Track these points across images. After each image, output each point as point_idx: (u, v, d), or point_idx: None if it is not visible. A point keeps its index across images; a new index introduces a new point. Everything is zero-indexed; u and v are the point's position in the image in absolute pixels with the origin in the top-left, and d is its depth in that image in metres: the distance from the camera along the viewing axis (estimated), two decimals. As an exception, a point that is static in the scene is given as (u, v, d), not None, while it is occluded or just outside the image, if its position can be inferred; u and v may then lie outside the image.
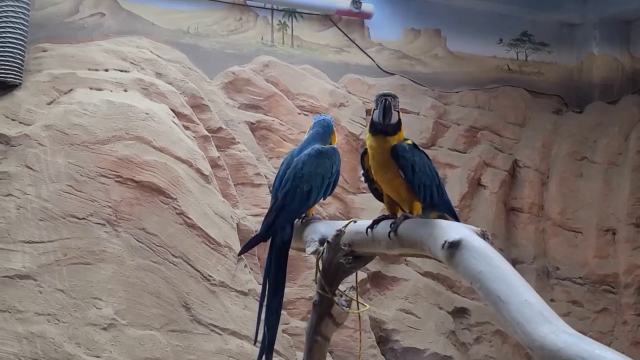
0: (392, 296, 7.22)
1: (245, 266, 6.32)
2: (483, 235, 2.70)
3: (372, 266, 6.95)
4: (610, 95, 8.64)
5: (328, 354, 4.07)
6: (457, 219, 3.15)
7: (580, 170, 8.01)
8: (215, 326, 6.00)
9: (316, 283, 3.63)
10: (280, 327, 6.00)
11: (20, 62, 6.21)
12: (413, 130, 7.47)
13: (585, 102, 8.69)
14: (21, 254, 5.61)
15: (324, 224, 3.72)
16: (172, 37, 7.21)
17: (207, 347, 5.92)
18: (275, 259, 3.65)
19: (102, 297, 5.69)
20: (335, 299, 3.57)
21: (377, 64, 8.02)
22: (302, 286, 6.66)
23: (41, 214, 5.73)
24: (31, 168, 5.83)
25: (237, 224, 6.46)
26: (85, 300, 5.65)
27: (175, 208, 6.08)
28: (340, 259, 3.45)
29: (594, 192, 7.85)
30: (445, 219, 3.10)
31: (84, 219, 5.82)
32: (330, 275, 3.53)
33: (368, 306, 3.90)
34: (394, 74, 8.08)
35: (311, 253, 3.56)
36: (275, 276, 3.64)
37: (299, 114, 7.34)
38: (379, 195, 3.37)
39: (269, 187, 6.68)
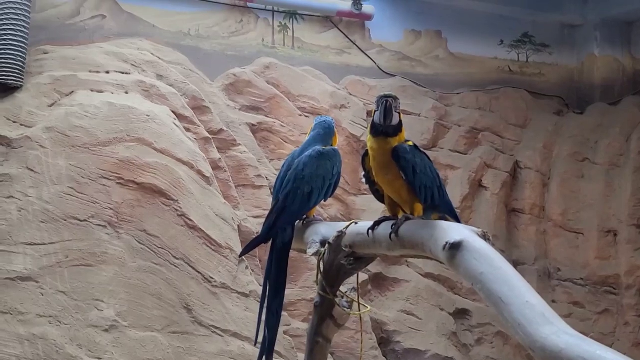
0: (394, 297, 7.22)
1: (247, 268, 6.32)
2: (484, 237, 2.70)
3: (374, 267, 6.95)
4: (612, 96, 8.63)
5: (329, 355, 4.07)
6: (458, 220, 3.15)
7: (582, 172, 8.01)
8: (217, 328, 6.00)
9: (317, 284, 3.63)
10: (282, 329, 6.00)
11: (22, 65, 6.22)
12: (414, 132, 7.47)
13: (586, 103, 8.68)
14: (23, 256, 5.61)
15: (325, 226, 3.72)
16: (173, 39, 7.22)
17: (209, 349, 5.92)
18: (276, 261, 3.65)
19: (104, 298, 5.70)
20: (337, 300, 3.57)
21: (378, 66, 8.02)
22: (303, 287, 6.66)
23: (42, 216, 5.73)
24: (32, 170, 5.83)
25: (238, 226, 6.46)
26: (86, 302, 5.65)
27: (177, 210, 6.08)
28: (342, 260, 3.45)
29: (595, 193, 7.84)
30: (447, 220, 3.09)
31: (85, 221, 5.82)
32: (332, 277, 3.53)
33: (369, 307, 3.90)
34: (394, 76, 8.08)
35: (312, 254, 3.55)
36: (276, 278, 3.64)
37: (300, 115, 7.34)
38: (380, 197, 3.37)
39: (270, 189, 6.68)
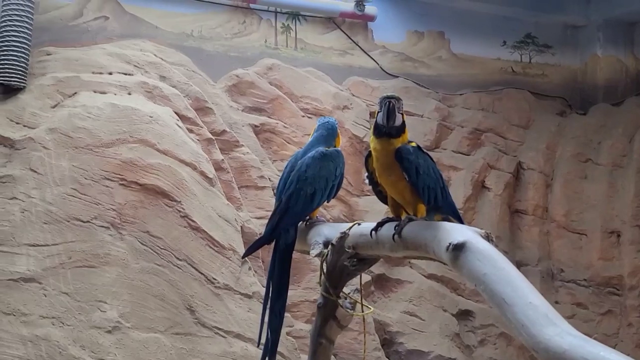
0: (397, 298, 7.21)
1: (249, 269, 6.32)
2: (487, 238, 2.69)
3: (376, 268, 6.95)
4: (615, 96, 8.63)
5: (332, 356, 4.07)
6: (461, 222, 3.14)
7: (585, 172, 8.01)
8: (220, 329, 6.00)
9: (320, 285, 3.63)
10: (285, 330, 6.00)
11: (25, 66, 6.23)
12: (417, 133, 7.47)
13: (589, 103, 8.68)
14: (26, 257, 5.62)
15: (328, 227, 3.72)
16: (176, 40, 7.23)
17: (212, 350, 5.92)
18: (279, 262, 3.64)
19: (107, 300, 5.70)
20: (340, 301, 3.57)
21: (380, 67, 8.02)
22: (306, 289, 6.66)
23: (45, 217, 5.74)
24: (35, 171, 5.84)
25: (241, 227, 6.46)
26: (89, 303, 5.65)
27: (179, 211, 6.08)
28: (345, 261, 3.44)
29: (598, 194, 7.83)
30: (450, 221, 3.09)
31: (88, 222, 5.82)
32: (335, 278, 3.53)
33: (372, 308, 3.90)
34: (397, 77, 8.09)
35: (315, 256, 3.55)
36: (279, 279, 3.64)
37: (303, 116, 7.35)
38: (383, 198, 3.37)
39: (272, 190, 6.69)
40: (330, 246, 3.48)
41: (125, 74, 6.59)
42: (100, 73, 6.52)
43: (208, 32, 7.41)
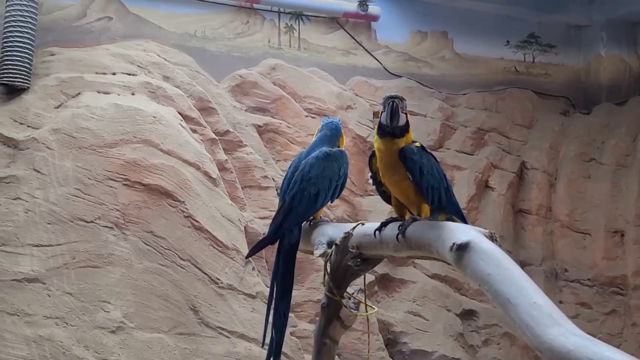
0: (400, 298, 7.21)
1: (253, 269, 6.32)
2: (491, 237, 2.69)
3: (380, 268, 6.94)
4: (618, 96, 8.62)
5: (336, 356, 4.06)
6: (465, 221, 3.14)
7: (588, 172, 8.00)
8: (223, 329, 6.00)
9: (324, 285, 3.62)
10: (289, 330, 6.00)
11: (28, 66, 6.24)
12: (420, 133, 7.46)
13: (592, 103, 8.67)
14: (29, 258, 5.62)
15: (332, 227, 3.71)
16: (179, 40, 7.23)
17: (215, 350, 5.92)
18: (283, 262, 3.65)
19: (110, 300, 5.70)
20: (344, 301, 3.57)
21: (384, 67, 8.02)
22: (310, 289, 6.66)
23: (49, 218, 5.74)
24: (39, 172, 5.85)
25: (244, 227, 6.47)
26: (93, 303, 5.66)
27: (183, 211, 6.08)
28: (348, 261, 3.44)
29: (601, 193, 7.83)
30: (453, 221, 3.09)
31: (91, 222, 5.83)
32: (339, 278, 3.52)
33: (376, 308, 3.90)
34: (401, 76, 8.08)
35: (319, 256, 3.55)
36: (283, 279, 3.64)
37: (306, 116, 7.35)
38: (386, 198, 3.36)
39: (276, 190, 6.68)
40: (334, 246, 3.48)
41: (129, 74, 6.60)
42: (104, 73, 6.53)
43: (211, 32, 7.41)
